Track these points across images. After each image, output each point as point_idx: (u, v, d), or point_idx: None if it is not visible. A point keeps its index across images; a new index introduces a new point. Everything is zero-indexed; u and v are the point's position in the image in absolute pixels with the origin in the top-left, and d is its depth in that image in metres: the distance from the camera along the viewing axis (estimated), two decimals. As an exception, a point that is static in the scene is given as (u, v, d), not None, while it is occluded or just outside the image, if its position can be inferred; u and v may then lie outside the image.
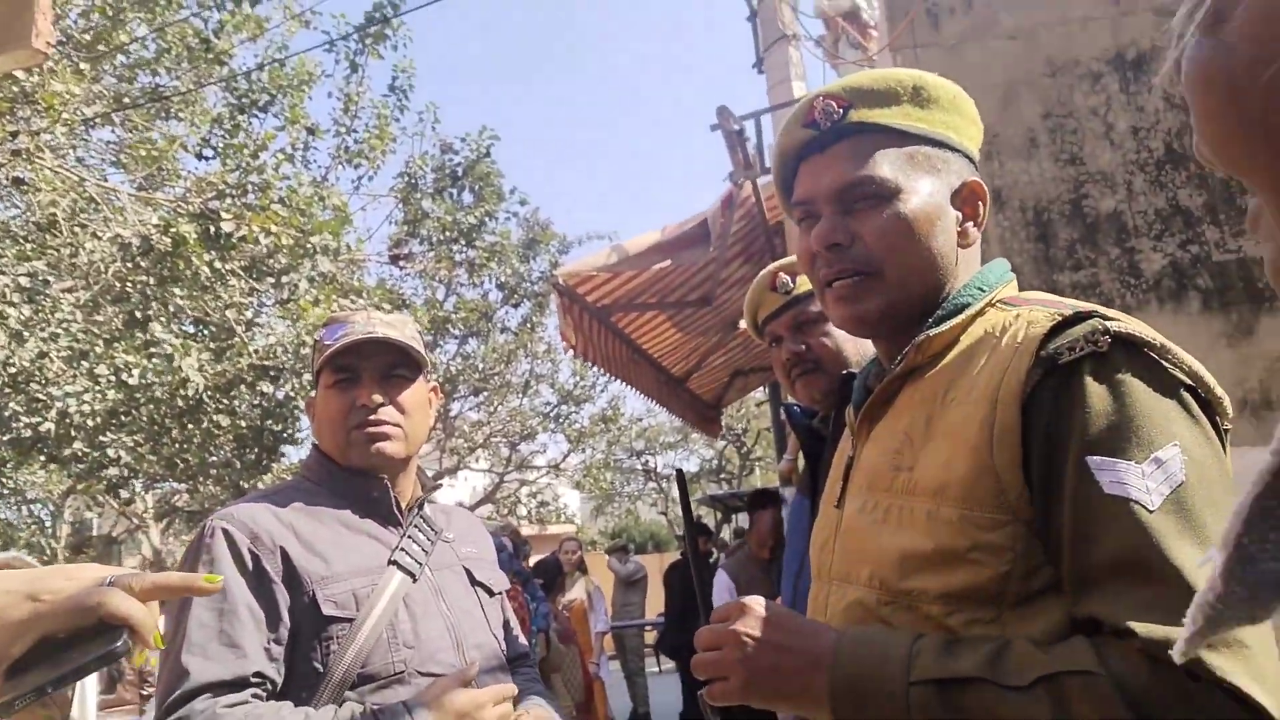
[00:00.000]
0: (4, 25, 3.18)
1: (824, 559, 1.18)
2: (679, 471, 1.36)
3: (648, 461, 26.35)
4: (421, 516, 1.69)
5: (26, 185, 7.49)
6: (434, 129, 12.53)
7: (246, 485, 9.10)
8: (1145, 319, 1.04)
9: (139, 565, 16.31)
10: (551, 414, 20.69)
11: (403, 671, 1.48)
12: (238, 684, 1.39)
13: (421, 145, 12.81)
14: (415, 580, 1.58)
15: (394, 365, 1.67)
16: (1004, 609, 0.97)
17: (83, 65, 8.05)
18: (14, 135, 7.09)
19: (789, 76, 5.76)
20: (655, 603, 11.84)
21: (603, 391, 21.05)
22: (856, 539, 1.11)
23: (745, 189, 5.22)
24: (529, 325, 17.38)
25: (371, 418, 1.62)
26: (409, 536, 1.63)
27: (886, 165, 1.12)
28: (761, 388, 10.38)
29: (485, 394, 18.41)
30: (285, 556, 1.49)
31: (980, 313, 1.12)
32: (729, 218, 5.12)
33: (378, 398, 1.63)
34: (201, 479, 10.07)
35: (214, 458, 9.37)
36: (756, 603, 1.06)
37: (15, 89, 7.22)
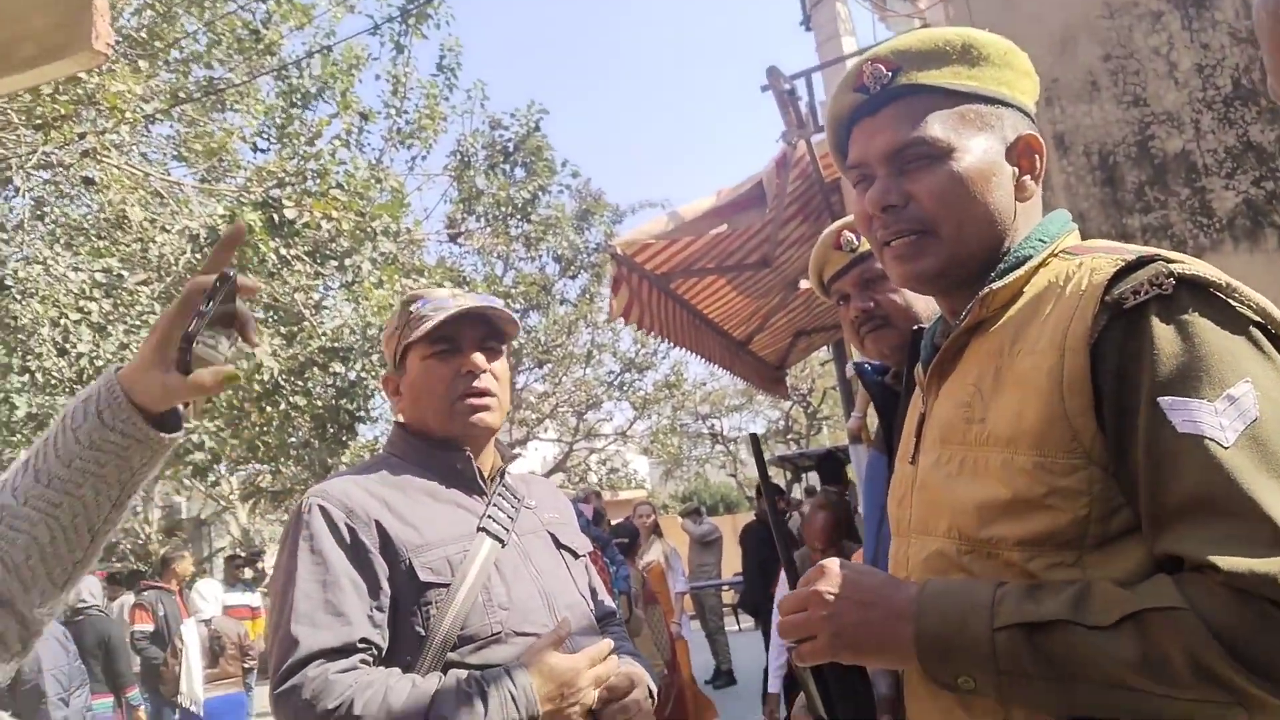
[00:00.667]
0: (64, 29, 3.28)
1: (902, 514, 1.21)
2: (753, 436, 1.38)
3: (714, 425, 26.41)
4: (504, 485, 1.74)
5: (96, 184, 7.73)
6: (483, 106, 12.63)
7: (330, 463, 9.36)
8: (1220, 259, 1.04)
9: (229, 545, 16.91)
10: (615, 382, 20.84)
11: (500, 632, 1.54)
12: (346, 650, 1.45)
13: (472, 123, 12.90)
14: (504, 545, 1.64)
15: (486, 336, 1.73)
16: (1085, 552, 0.98)
17: (140, 63, 8.24)
18: (81, 136, 7.32)
19: (838, 32, 5.66)
20: (730, 563, 11.94)
21: (664, 358, 21.15)
22: (932, 492, 1.13)
23: (799, 148, 5.15)
24: (587, 296, 17.49)
25: (476, 385, 1.68)
26: (494, 504, 1.69)
27: (938, 125, 1.12)
28: (825, 346, 10.28)
29: (549, 365, 18.60)
30: (380, 528, 1.55)
31: (1043, 264, 1.12)
32: (784, 178, 5.08)
33: (482, 361, 1.69)
34: (283, 459, 10.39)
35: (293, 439, 9.65)
36: (835, 563, 1.09)
37: (79, 91, 7.44)
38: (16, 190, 8.16)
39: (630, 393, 21.39)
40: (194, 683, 7.30)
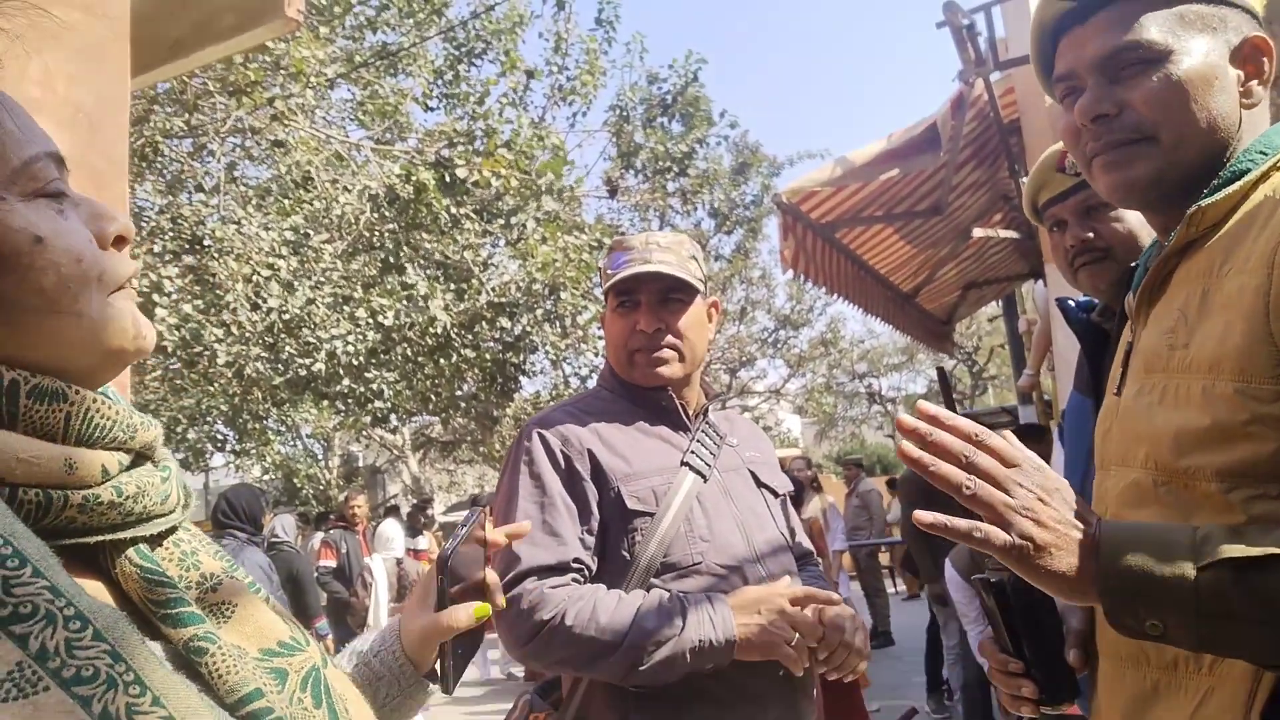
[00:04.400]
0: (259, -1, 3.48)
1: (1105, 447, 1.15)
2: (941, 370, 1.32)
3: (871, 384, 25.87)
4: (708, 423, 1.80)
5: (284, 146, 8.20)
6: (642, 59, 12.63)
7: (496, 415, 9.73)
8: None
9: (400, 491, 17.89)
10: (769, 339, 20.67)
11: (700, 563, 1.61)
12: (560, 568, 1.56)
13: (631, 76, 12.92)
14: (706, 480, 1.69)
15: (670, 289, 1.75)
16: None
17: (321, 29, 8.65)
18: (270, 101, 7.76)
19: (1021, -39, 5.31)
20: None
21: (820, 315, 20.80)
22: (1132, 422, 1.07)
23: (977, 87, 4.92)
24: (742, 252, 17.35)
25: (650, 341, 1.72)
26: (697, 440, 1.74)
27: (1154, 27, 1.06)
28: (996, 301, 9.86)
29: (703, 322, 18.58)
30: (592, 457, 1.64)
31: (1265, 176, 1.04)
32: (960, 119, 4.86)
33: (654, 325, 1.72)
34: (452, 411, 10.89)
35: (460, 391, 10.06)
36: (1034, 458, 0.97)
37: (266, 58, 7.89)
38: (212, 155, 8.76)
39: (784, 350, 21.19)
40: (381, 613, 7.79)
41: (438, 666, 0.98)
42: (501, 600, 1.06)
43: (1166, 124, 1.05)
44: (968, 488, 0.91)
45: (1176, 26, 1.06)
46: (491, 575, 1.04)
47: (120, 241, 0.74)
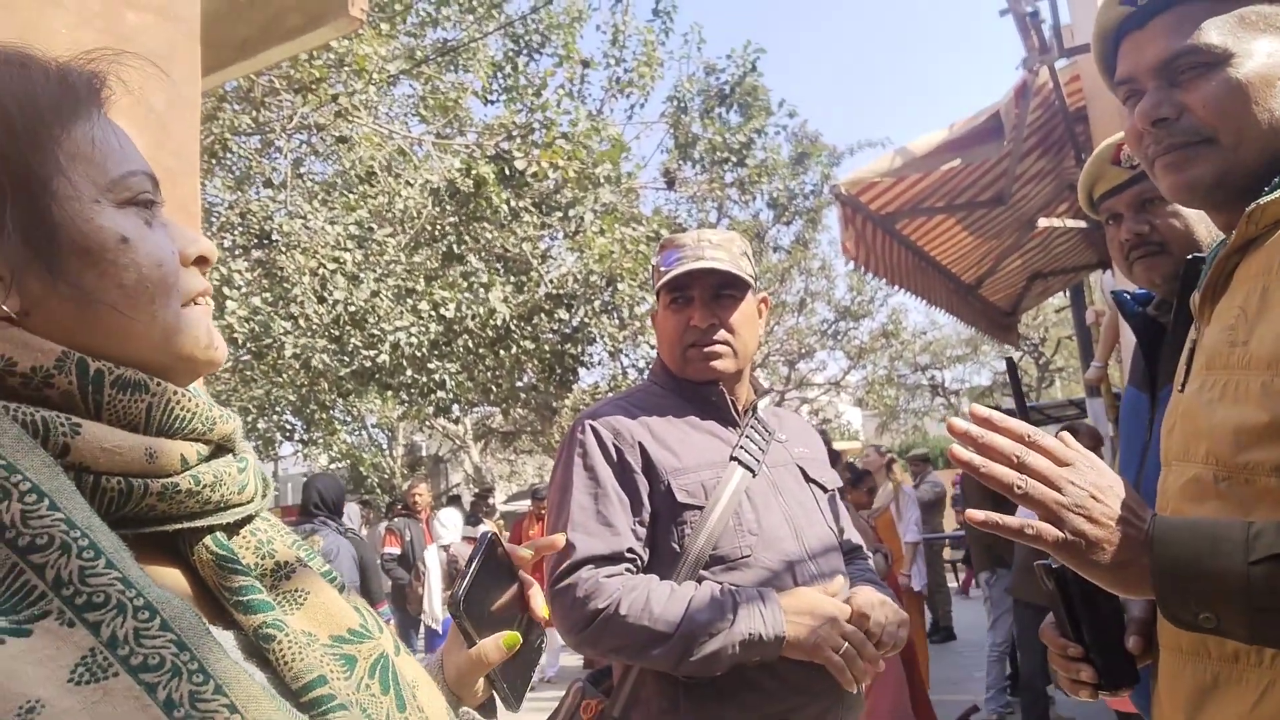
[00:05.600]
0: (324, -1, 3.56)
1: (1169, 443, 1.15)
2: (1009, 360, 1.32)
3: (934, 376, 25.48)
4: (757, 419, 1.81)
5: (349, 141, 8.37)
6: (699, 49, 12.61)
7: (555, 406, 9.81)
8: None
9: (462, 480, 18.14)
10: (829, 331, 20.49)
11: (749, 555, 1.63)
12: (614, 558, 1.60)
13: (688, 67, 12.92)
14: (755, 475, 1.71)
15: (722, 286, 1.78)
16: None
17: (383, 26, 8.80)
18: (334, 98, 7.92)
19: (1087, -56, 5.18)
20: (950, 519, 11.55)
21: (882, 306, 20.54)
22: (1194, 418, 1.08)
23: (1042, 75, 4.82)
24: (801, 243, 17.20)
25: (704, 336, 1.76)
26: (746, 436, 1.76)
27: (1214, 31, 1.06)
28: (1063, 291, 9.66)
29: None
30: (643, 450, 1.67)
31: None
32: (1024, 108, 4.77)
33: (708, 320, 1.75)
34: (512, 402, 11.03)
35: (520, 382, 10.17)
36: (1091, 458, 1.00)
37: (330, 56, 8.05)
38: (279, 151, 8.98)
39: (844, 342, 20.99)
40: (434, 603, 7.92)
41: (495, 692, 0.98)
42: (543, 610, 1.04)
43: (1225, 126, 1.05)
44: (1019, 487, 0.95)
45: (1237, 28, 1.06)
46: (528, 581, 1.01)
47: (202, 262, 0.77)
